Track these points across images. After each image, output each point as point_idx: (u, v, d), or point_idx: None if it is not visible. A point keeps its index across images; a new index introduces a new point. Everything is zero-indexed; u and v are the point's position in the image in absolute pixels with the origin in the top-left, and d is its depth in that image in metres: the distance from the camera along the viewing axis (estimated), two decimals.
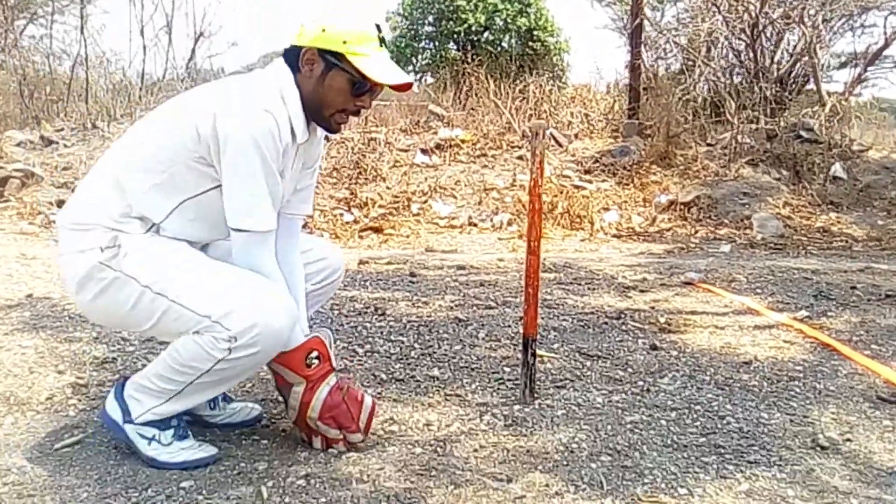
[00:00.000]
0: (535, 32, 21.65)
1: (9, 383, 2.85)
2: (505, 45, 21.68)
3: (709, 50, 11.14)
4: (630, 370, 3.22)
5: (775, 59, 10.93)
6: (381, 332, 3.68)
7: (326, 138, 2.62)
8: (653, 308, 4.29)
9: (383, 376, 3.08)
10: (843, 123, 9.50)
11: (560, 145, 9.61)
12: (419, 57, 23.27)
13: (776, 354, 3.47)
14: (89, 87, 11.66)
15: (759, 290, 4.81)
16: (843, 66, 12.41)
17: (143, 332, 2.26)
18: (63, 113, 11.07)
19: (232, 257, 2.27)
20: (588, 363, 3.30)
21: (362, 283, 4.85)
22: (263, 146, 2.13)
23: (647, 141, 9.33)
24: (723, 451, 2.43)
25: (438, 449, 2.41)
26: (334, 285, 2.74)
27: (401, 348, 3.45)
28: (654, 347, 3.52)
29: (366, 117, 10.80)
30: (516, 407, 2.77)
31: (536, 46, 21.44)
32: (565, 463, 2.33)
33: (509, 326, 3.83)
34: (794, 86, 11.12)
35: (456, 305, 4.27)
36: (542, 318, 3.92)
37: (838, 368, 3.28)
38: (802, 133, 9.16)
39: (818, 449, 2.46)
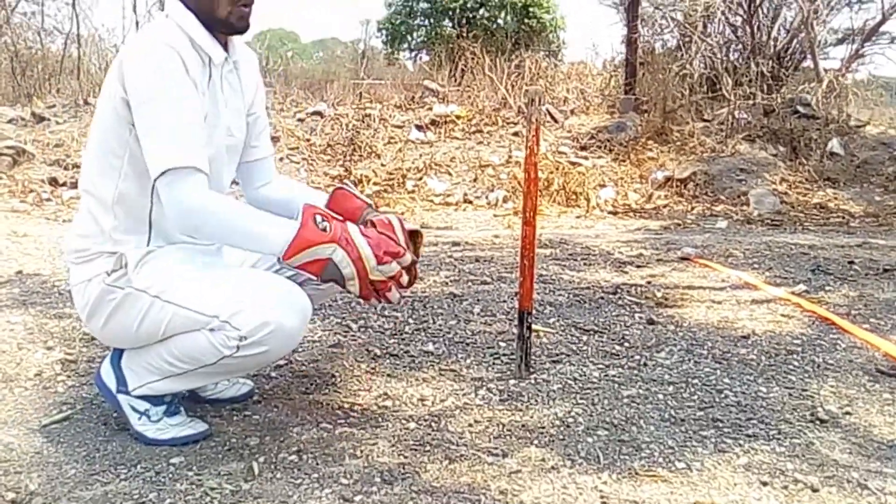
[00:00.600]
0: (531, 9, 21.52)
1: None
2: (500, 21, 21.56)
3: (705, 26, 11.07)
4: (627, 344, 3.18)
5: (772, 35, 10.85)
6: (375, 308, 3.63)
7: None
8: (649, 283, 4.25)
9: (377, 352, 3.05)
10: (841, 99, 9.44)
11: (556, 121, 9.55)
12: (414, 34, 23.17)
13: (774, 328, 3.44)
14: (81, 64, 11.55)
15: (756, 266, 4.77)
16: (840, 42, 12.30)
17: (157, 343, 2.17)
18: (55, 90, 10.97)
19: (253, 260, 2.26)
20: (584, 338, 3.27)
21: None
22: (169, 84, 2.00)
23: (643, 117, 9.27)
24: (721, 424, 2.40)
25: (433, 424, 2.38)
26: None
27: (395, 324, 3.42)
28: (650, 322, 3.49)
29: (360, 93, 10.74)
30: (511, 382, 2.74)
31: (532, 23, 21.32)
32: (561, 437, 2.30)
33: (504, 301, 3.79)
34: (790, 62, 11.05)
35: (451, 281, 4.23)
36: (538, 294, 3.89)
37: (837, 342, 3.25)
38: (799, 109, 9.10)
39: (817, 422, 2.43)
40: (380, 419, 2.41)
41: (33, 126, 8.97)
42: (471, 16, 21.87)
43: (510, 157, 8.43)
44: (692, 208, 7.34)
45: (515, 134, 9.08)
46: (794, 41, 10.96)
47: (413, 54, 23.65)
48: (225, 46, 2.22)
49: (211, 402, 2.49)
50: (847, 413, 2.51)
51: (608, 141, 8.85)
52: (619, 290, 4.04)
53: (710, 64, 10.67)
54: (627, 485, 2.03)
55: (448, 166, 8.32)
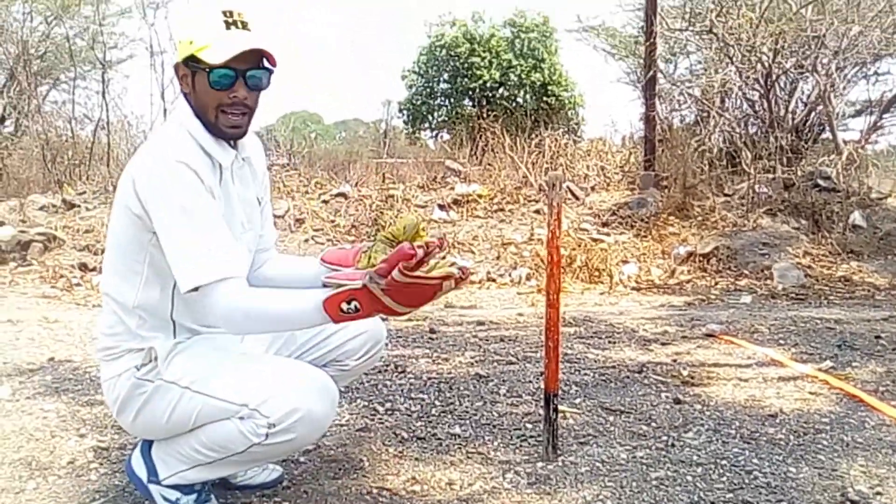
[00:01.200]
0: (550, 87, 21.89)
1: (31, 447, 2.85)
2: (520, 100, 21.91)
3: (723, 101, 11.20)
4: (654, 425, 3.18)
5: (790, 109, 10.97)
6: (402, 390, 3.66)
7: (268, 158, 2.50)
8: (675, 361, 4.25)
9: (404, 434, 3.06)
10: (861, 171, 9.48)
11: (577, 198, 9.63)
12: (435, 114, 23.54)
13: (802, 406, 3.42)
14: (111, 151, 11.81)
15: (782, 341, 4.76)
16: (858, 113, 12.40)
17: (187, 432, 2.19)
18: (85, 176, 11.21)
19: (271, 346, 2.29)
20: (611, 418, 3.27)
21: None
22: (186, 201, 2.04)
23: (663, 192, 9.33)
24: None
25: None
26: (378, 355, 2.65)
27: (421, 406, 3.43)
28: (677, 401, 3.48)
29: (383, 174, 10.89)
30: (539, 464, 2.74)
31: (551, 101, 21.66)
32: None
33: (530, 382, 3.80)
34: (809, 134, 11.14)
35: (476, 361, 4.25)
36: (564, 373, 3.90)
37: (865, 420, 3.23)
38: (820, 182, 9.14)
39: (848, 503, 2.41)
40: None
41: (64, 212, 9.16)
42: (490, 95, 22.24)
43: (532, 234, 8.49)
44: (716, 283, 7.34)
45: (537, 212, 9.15)
46: (813, 114, 11.06)
47: (434, 133, 24.02)
48: (235, 145, 2.27)
49: (241, 488, 2.51)
50: (878, 493, 2.49)
51: (629, 217, 8.91)
52: (644, 369, 4.05)
53: (728, 138, 10.78)
54: None
55: (471, 245, 8.39)
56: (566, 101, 22.17)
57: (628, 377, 3.92)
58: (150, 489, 2.26)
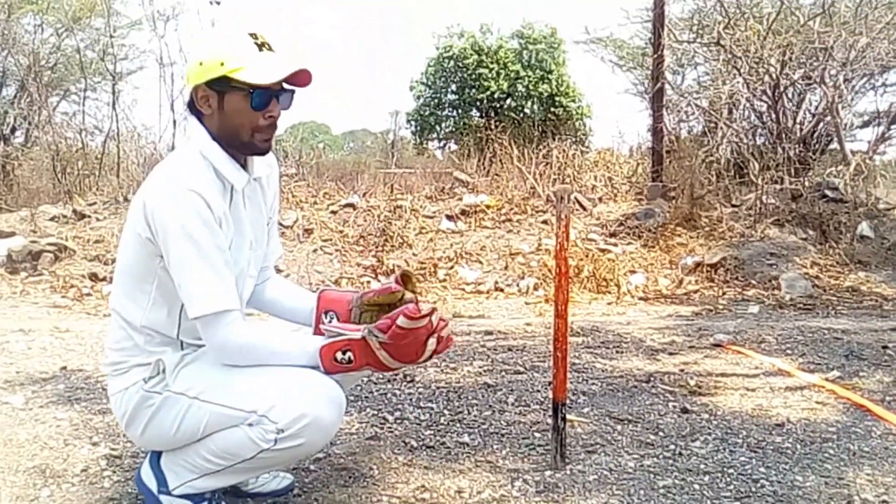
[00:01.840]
0: (557, 98, 21.93)
1: (45, 455, 2.88)
2: (527, 111, 21.96)
3: (730, 112, 11.21)
4: (661, 434, 3.20)
5: (798, 120, 10.97)
6: (411, 399, 3.69)
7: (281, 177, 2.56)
8: (682, 371, 4.27)
9: (413, 443, 3.08)
10: (869, 182, 9.48)
11: (584, 209, 9.65)
12: (443, 125, 23.59)
13: (809, 416, 3.44)
14: (121, 161, 11.88)
15: (789, 351, 4.78)
16: (866, 124, 12.41)
17: (195, 441, 2.23)
18: (95, 187, 11.27)
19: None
20: (619, 427, 3.29)
21: None
22: (194, 230, 2.09)
23: (671, 203, 9.35)
24: None
25: None
26: None
27: (430, 415, 3.46)
28: (684, 410, 3.50)
29: (391, 185, 10.93)
30: (547, 473, 2.76)
31: (558, 112, 21.70)
32: None
33: (538, 391, 3.83)
34: (817, 145, 11.14)
35: (485, 371, 4.27)
36: (571, 383, 3.92)
37: (872, 429, 3.25)
38: (827, 192, 9.15)
39: None
40: None
41: (74, 223, 9.21)
42: (498, 106, 22.29)
43: (540, 244, 8.51)
44: (723, 293, 7.35)
45: (545, 222, 9.17)
46: (820, 125, 11.06)
47: (442, 144, 24.06)
48: (244, 166, 2.31)
49: (252, 496, 2.53)
50: (884, 502, 2.51)
51: (637, 227, 8.92)
52: (652, 379, 4.07)
53: (736, 149, 10.78)
54: None
55: (479, 255, 8.42)
56: (574, 112, 22.21)
57: (636, 387, 3.94)
58: (161, 499, 2.29)
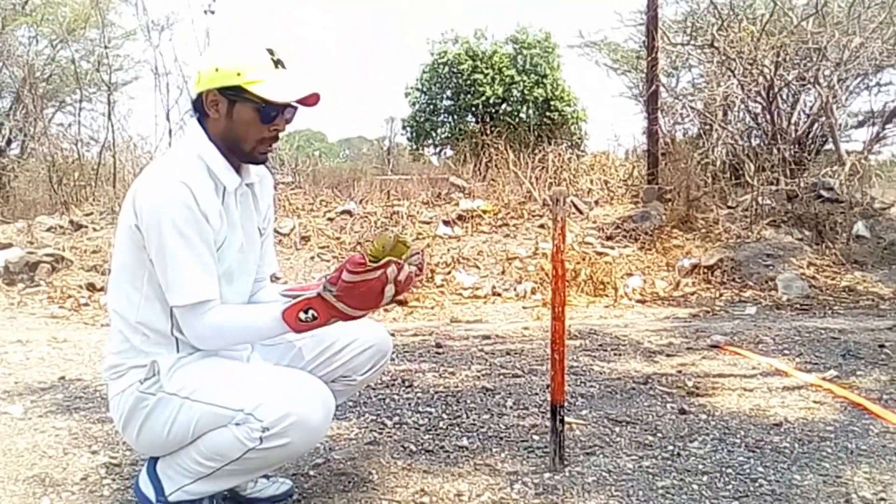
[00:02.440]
0: (552, 102, 21.96)
1: (44, 464, 2.89)
2: (523, 115, 21.98)
3: (725, 114, 11.24)
4: (659, 435, 3.21)
5: (792, 121, 11.00)
6: (409, 404, 3.70)
7: (275, 187, 2.58)
8: (680, 372, 4.28)
9: (413, 448, 3.09)
10: (864, 182, 9.50)
11: (581, 212, 9.67)
12: (438, 131, 23.61)
13: (806, 415, 3.45)
14: (117, 171, 11.88)
15: (786, 351, 4.79)
16: (860, 124, 12.43)
17: (188, 445, 2.24)
18: (91, 197, 11.27)
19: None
20: (617, 429, 3.30)
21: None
22: (179, 220, 2.13)
23: (667, 205, 9.36)
24: None
25: None
26: (383, 368, 2.71)
27: (429, 419, 3.47)
28: (682, 411, 3.51)
29: (388, 191, 10.95)
30: (546, 475, 2.77)
31: (554, 116, 21.73)
32: None
33: (537, 394, 3.83)
34: (812, 146, 11.16)
35: (483, 375, 4.28)
36: (570, 385, 3.92)
37: (869, 427, 3.26)
38: (823, 193, 9.17)
39: None
40: None
41: (71, 233, 9.22)
42: (493, 111, 22.32)
43: (537, 248, 8.52)
44: (720, 295, 7.36)
45: (541, 226, 9.19)
46: (815, 125, 11.09)
47: (438, 150, 24.08)
48: (238, 170, 2.34)
49: (250, 501, 2.54)
50: (882, 499, 2.51)
51: (633, 230, 8.94)
52: (650, 380, 4.07)
53: (731, 151, 10.81)
54: None
55: (476, 260, 8.42)
56: (569, 116, 22.24)
57: (634, 388, 3.94)
58: None
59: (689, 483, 2.67)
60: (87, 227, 9.41)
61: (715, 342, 5.03)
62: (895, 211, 8.97)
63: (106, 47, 13.82)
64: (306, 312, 2.13)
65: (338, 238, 9.04)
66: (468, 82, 22.41)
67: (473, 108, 22.73)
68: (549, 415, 2.85)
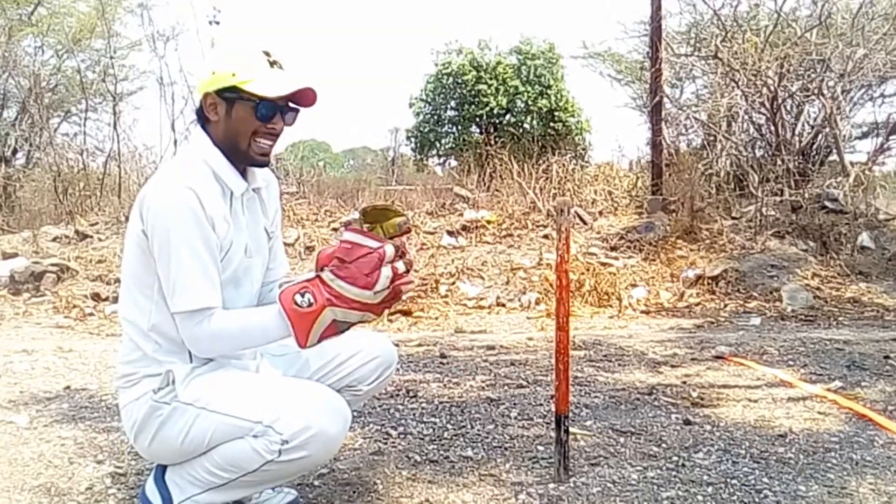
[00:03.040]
0: (556, 113, 21.97)
1: (49, 474, 2.89)
2: (527, 126, 21.99)
3: (729, 125, 11.25)
4: (664, 445, 3.21)
5: (796, 132, 11.00)
6: (414, 414, 3.70)
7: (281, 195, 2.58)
8: (685, 383, 4.28)
9: (417, 458, 3.09)
10: (868, 193, 9.51)
11: (585, 223, 9.68)
12: (443, 141, 23.63)
13: (811, 426, 3.45)
14: (122, 181, 11.91)
15: (791, 362, 4.79)
16: (865, 135, 12.45)
17: (201, 455, 2.24)
18: (97, 207, 11.31)
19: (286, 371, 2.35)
20: (622, 439, 3.30)
21: None
22: (184, 226, 2.14)
23: (671, 216, 9.37)
24: None
25: None
26: (388, 379, 2.72)
27: (434, 429, 3.47)
28: (687, 422, 3.51)
29: (392, 201, 10.96)
30: (551, 485, 2.77)
31: (558, 127, 21.74)
32: None
33: (541, 405, 3.83)
34: (816, 157, 11.16)
35: (487, 385, 4.28)
36: (574, 396, 3.93)
37: (874, 438, 3.26)
38: (827, 204, 9.17)
39: None
40: None
41: (76, 243, 9.24)
42: (497, 122, 22.33)
43: (541, 259, 8.53)
44: (725, 306, 7.36)
45: (545, 237, 9.20)
46: (819, 136, 11.09)
47: (442, 160, 24.08)
48: (244, 175, 2.36)
49: None
50: None
51: (638, 241, 8.94)
52: (654, 391, 4.07)
53: (735, 162, 10.82)
54: None
55: (480, 270, 8.43)
56: (573, 127, 22.24)
57: (638, 399, 3.94)
58: None
59: (693, 494, 2.67)
60: (92, 237, 9.44)
61: (719, 353, 5.03)
62: None
63: (111, 57, 13.89)
64: (303, 296, 2.08)
65: None
66: (472, 93, 22.42)
67: (477, 119, 22.75)
68: (553, 425, 2.85)
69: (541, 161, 11.44)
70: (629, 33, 13.11)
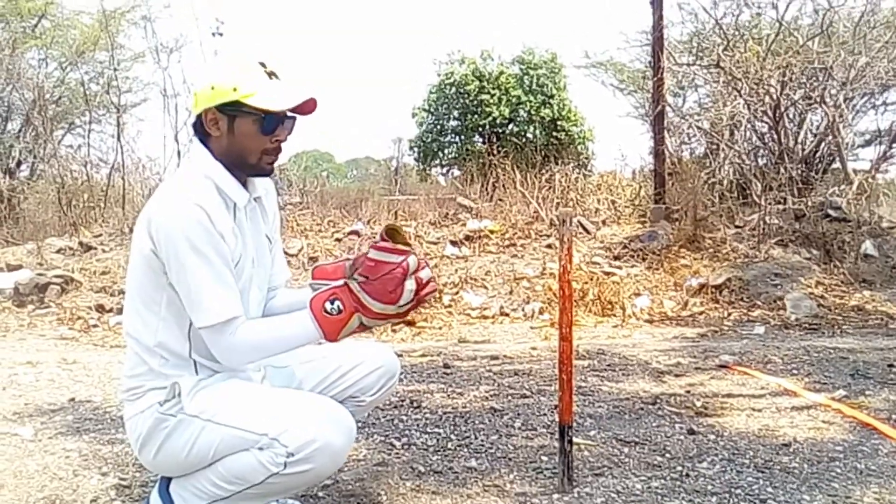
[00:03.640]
0: (559, 122, 21.99)
1: (54, 486, 2.90)
2: (529, 135, 22.00)
3: (732, 133, 11.26)
4: (668, 455, 3.20)
5: (799, 140, 11.02)
6: (418, 424, 3.70)
7: (278, 192, 2.59)
8: (688, 392, 4.28)
9: (421, 468, 3.09)
10: (872, 201, 9.51)
11: (588, 232, 9.68)
12: (446, 151, 23.65)
13: (815, 435, 3.44)
14: (126, 193, 11.94)
15: (795, 371, 4.78)
16: (867, 143, 12.47)
17: (205, 467, 2.24)
18: (101, 219, 11.33)
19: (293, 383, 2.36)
20: (625, 449, 3.29)
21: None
22: (197, 242, 2.14)
23: (674, 225, 9.37)
24: None
25: None
26: (391, 390, 2.72)
27: (438, 440, 3.47)
28: (691, 432, 3.51)
29: (395, 212, 10.98)
30: (555, 496, 2.77)
31: (560, 136, 21.76)
32: None
33: (545, 415, 3.83)
34: (819, 165, 11.18)
35: (491, 395, 4.28)
36: (578, 406, 3.93)
37: (879, 447, 3.25)
38: (830, 212, 9.17)
39: None
40: None
41: (80, 255, 9.26)
42: (500, 131, 22.35)
43: (545, 268, 8.53)
44: (728, 314, 7.36)
45: (549, 246, 9.20)
46: (822, 145, 11.11)
47: (445, 170, 24.10)
48: (245, 185, 2.36)
49: None
50: None
51: (641, 250, 8.94)
52: (658, 401, 4.07)
53: (738, 170, 10.83)
54: None
55: (483, 280, 8.43)
56: (576, 136, 22.27)
57: (642, 409, 3.94)
58: None
59: None
60: (96, 248, 9.45)
61: (723, 362, 5.03)
62: None
63: (115, 69, 13.94)
64: (332, 303, 2.14)
65: (346, 258, 9.05)
66: (475, 103, 22.46)
67: (480, 129, 22.78)
68: (557, 435, 2.85)
69: (544, 170, 11.46)
70: (631, 43, 13.13)
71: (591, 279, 7.96)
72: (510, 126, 22.71)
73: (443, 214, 10.72)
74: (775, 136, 10.62)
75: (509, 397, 4.23)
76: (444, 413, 3.90)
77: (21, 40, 14.35)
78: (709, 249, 8.73)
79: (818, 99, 10.32)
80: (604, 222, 10.20)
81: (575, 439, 3.00)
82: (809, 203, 9.41)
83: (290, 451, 2.10)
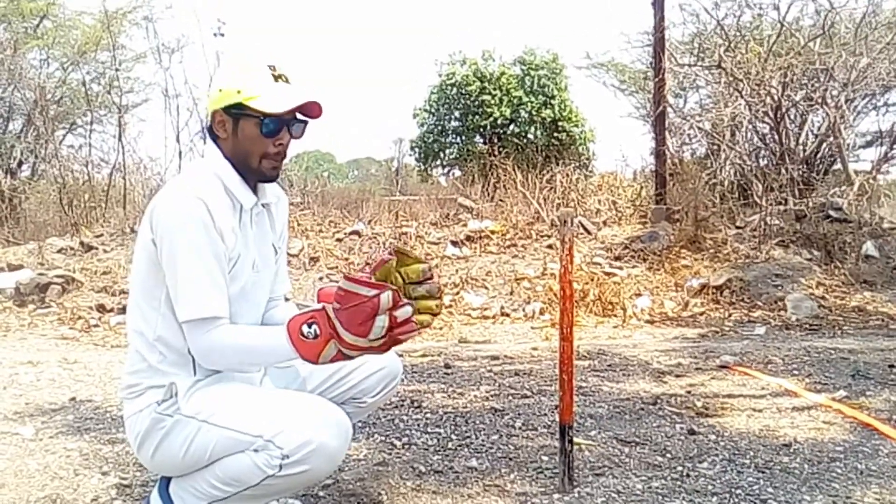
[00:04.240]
0: (560, 123, 21.99)
1: (55, 486, 2.90)
2: (531, 136, 22.00)
3: (733, 134, 11.26)
4: (669, 455, 3.21)
5: (800, 141, 11.02)
6: (418, 424, 3.70)
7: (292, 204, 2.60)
8: (689, 392, 4.28)
9: (422, 468, 3.09)
10: (873, 202, 9.51)
11: (589, 233, 9.68)
12: (447, 151, 23.64)
13: (816, 436, 3.44)
14: (127, 193, 11.94)
15: (796, 372, 4.78)
16: (869, 144, 12.48)
17: (203, 468, 2.24)
18: (102, 219, 11.33)
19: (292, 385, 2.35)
20: (626, 449, 3.30)
21: None
22: (194, 235, 2.14)
23: (675, 226, 9.37)
24: None
25: None
26: (393, 391, 2.72)
27: (438, 440, 3.47)
28: (691, 432, 3.51)
29: (396, 212, 10.98)
30: (556, 496, 2.77)
31: (562, 137, 21.75)
32: None
33: (545, 415, 3.83)
34: (820, 166, 11.18)
35: (491, 395, 4.28)
36: (578, 406, 3.93)
37: (879, 448, 3.25)
38: (831, 213, 9.17)
39: None
40: None
41: (81, 255, 9.27)
42: (501, 132, 22.35)
43: (545, 269, 8.53)
44: (729, 315, 7.36)
45: (550, 246, 9.20)
46: (823, 145, 11.11)
47: (446, 170, 24.10)
48: (255, 190, 2.37)
49: None
50: None
51: (642, 250, 8.94)
52: (658, 401, 4.07)
53: (739, 171, 10.83)
54: None
55: (484, 280, 8.44)
56: (577, 137, 22.27)
57: (643, 409, 3.94)
58: None
59: None
60: (97, 248, 9.46)
61: (724, 362, 5.03)
62: None
63: (117, 70, 13.97)
64: (310, 327, 2.07)
65: (346, 259, 9.06)
66: (476, 103, 22.47)
67: (481, 129, 22.78)
68: (557, 435, 2.85)
69: (545, 171, 11.46)
70: (632, 43, 13.17)
71: (592, 279, 7.96)
72: (511, 126, 22.71)
73: (444, 215, 10.72)
74: (776, 137, 10.62)
75: (510, 397, 4.23)
76: (445, 413, 3.91)
77: (23, 41, 14.38)
78: (710, 250, 8.73)
79: (819, 100, 10.32)
80: (605, 223, 10.20)
81: (575, 439, 3.00)
82: (810, 204, 9.41)
83: (285, 453, 2.09)
